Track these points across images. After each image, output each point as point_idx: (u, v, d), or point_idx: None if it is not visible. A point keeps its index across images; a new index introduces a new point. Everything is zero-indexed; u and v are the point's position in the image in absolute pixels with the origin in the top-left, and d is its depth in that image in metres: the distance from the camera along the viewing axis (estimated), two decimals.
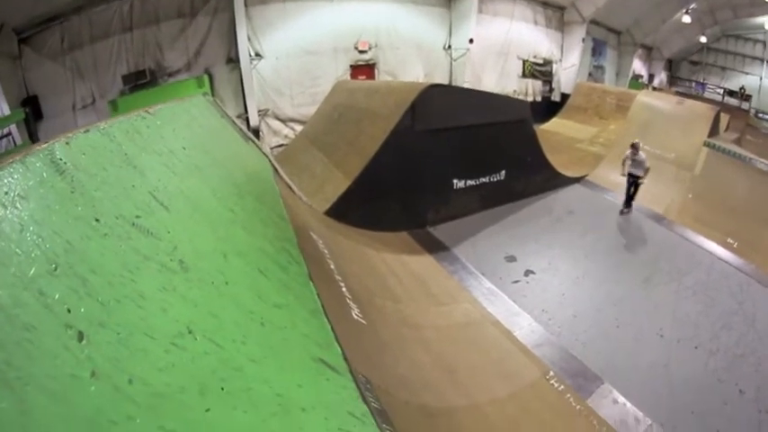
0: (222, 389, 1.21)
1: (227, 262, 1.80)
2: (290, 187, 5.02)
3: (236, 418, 1.19)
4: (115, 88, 11.20)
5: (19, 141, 10.81)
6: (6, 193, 1.11)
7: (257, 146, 5.22)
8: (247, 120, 11.01)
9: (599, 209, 7.31)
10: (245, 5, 10.96)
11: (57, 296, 1.03)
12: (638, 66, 21.85)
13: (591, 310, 4.57)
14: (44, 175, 1.27)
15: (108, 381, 0.98)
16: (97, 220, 1.32)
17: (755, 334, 4.33)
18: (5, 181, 1.13)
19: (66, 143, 1.46)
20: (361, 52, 12.47)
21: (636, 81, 20.97)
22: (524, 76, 15.80)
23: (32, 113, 10.68)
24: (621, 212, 7.11)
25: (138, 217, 1.49)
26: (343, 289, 3.26)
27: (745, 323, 4.50)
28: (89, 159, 1.50)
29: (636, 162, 7.21)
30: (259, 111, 11.33)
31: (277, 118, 11.60)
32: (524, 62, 15.73)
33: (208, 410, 1.12)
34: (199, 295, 1.46)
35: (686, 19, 19.99)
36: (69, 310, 1.03)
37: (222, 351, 1.34)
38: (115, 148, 1.73)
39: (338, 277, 3.39)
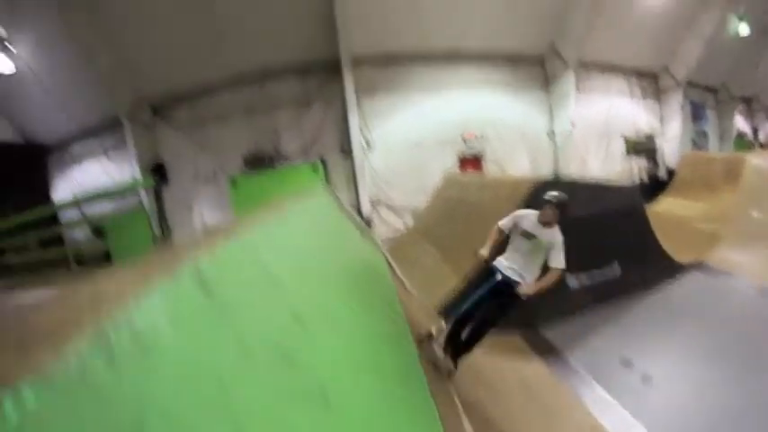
0: None
1: (365, 392, 1.74)
2: (405, 285, 5.09)
3: None
4: (235, 166, 12.18)
5: (146, 200, 11.95)
6: (155, 318, 1.04)
7: (374, 242, 5.41)
8: (359, 209, 11.36)
9: (722, 298, 6.58)
10: (356, 97, 11.42)
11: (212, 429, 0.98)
12: (740, 122, 20.28)
13: (723, 425, 3.99)
14: (192, 294, 1.22)
15: None
16: (243, 346, 1.26)
17: None
18: (156, 305, 1.07)
19: (212, 258, 1.41)
20: (468, 143, 12.62)
21: (741, 140, 19.57)
22: (628, 154, 15.22)
23: (159, 178, 11.91)
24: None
25: (282, 342, 1.43)
26: (456, 400, 3.22)
27: None
28: (233, 276, 1.47)
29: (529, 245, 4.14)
30: (371, 200, 11.66)
31: (388, 208, 11.85)
32: (626, 140, 15.18)
33: None
34: (340, 426, 1.40)
35: None
36: None
37: None
38: (256, 261, 1.71)
39: (451, 388, 3.41)
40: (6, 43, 11.36)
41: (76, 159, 14.77)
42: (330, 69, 11.95)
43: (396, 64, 12.49)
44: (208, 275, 1.30)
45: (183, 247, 1.64)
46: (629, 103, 15.65)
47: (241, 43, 11.54)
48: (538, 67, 13.90)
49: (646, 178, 15.60)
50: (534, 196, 5.66)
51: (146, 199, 12.51)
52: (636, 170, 15.58)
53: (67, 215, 13.75)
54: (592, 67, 14.52)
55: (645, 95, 16.08)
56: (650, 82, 16.19)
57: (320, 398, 1.40)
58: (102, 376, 0.83)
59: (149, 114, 12.84)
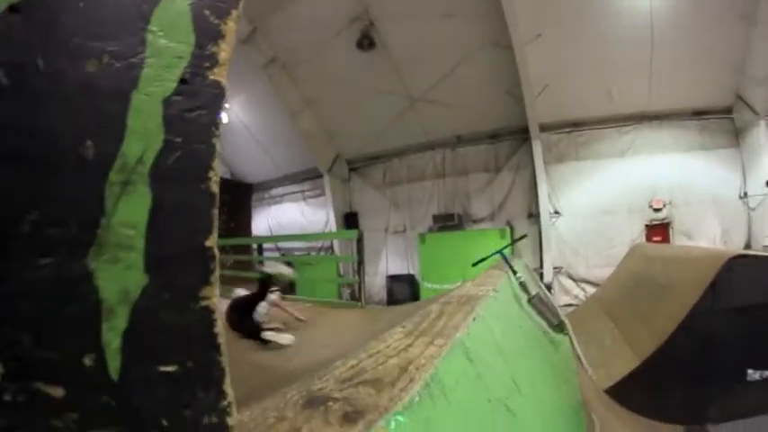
0: None
1: None
2: (580, 357, 4.99)
3: None
4: (425, 223, 13.29)
5: (336, 246, 13.57)
6: (448, 378, 1.43)
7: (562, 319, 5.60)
8: (541, 275, 11.52)
9: None
10: (544, 163, 11.78)
11: None
12: None
13: None
14: (463, 362, 1.67)
15: None
16: (489, 400, 1.71)
17: None
18: (447, 370, 1.47)
19: (468, 333, 1.89)
20: (656, 210, 12.17)
21: None
22: None
23: (352, 226, 13.50)
24: None
25: (506, 398, 1.88)
26: None
27: None
28: (480, 348, 1.92)
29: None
30: (554, 268, 11.76)
31: (570, 277, 11.87)
32: None
33: None
34: None
35: None
36: None
37: None
38: (490, 336, 2.17)
39: None
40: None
41: (276, 199, 17.32)
42: (519, 137, 12.62)
43: (582, 130, 12.69)
44: (468, 347, 1.79)
45: (442, 316, 2.13)
46: None
47: (433, 112, 12.68)
48: (726, 121, 12.74)
49: None
50: (725, 276, 5.46)
51: (336, 244, 14.41)
52: None
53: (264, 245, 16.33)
54: None
55: None
56: None
57: None
58: (430, 410, 1.25)
59: (346, 169, 14.68)
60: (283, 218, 17.16)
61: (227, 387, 0.70)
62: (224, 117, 13.76)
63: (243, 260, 13.49)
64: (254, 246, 16.55)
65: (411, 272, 13.94)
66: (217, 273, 0.69)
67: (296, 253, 16.17)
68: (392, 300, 13.25)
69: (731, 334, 5.57)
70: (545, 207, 12.03)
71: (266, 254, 16.41)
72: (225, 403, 0.69)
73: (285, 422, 0.94)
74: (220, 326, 0.69)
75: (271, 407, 1.02)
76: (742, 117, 12.37)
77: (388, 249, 14.32)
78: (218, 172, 0.68)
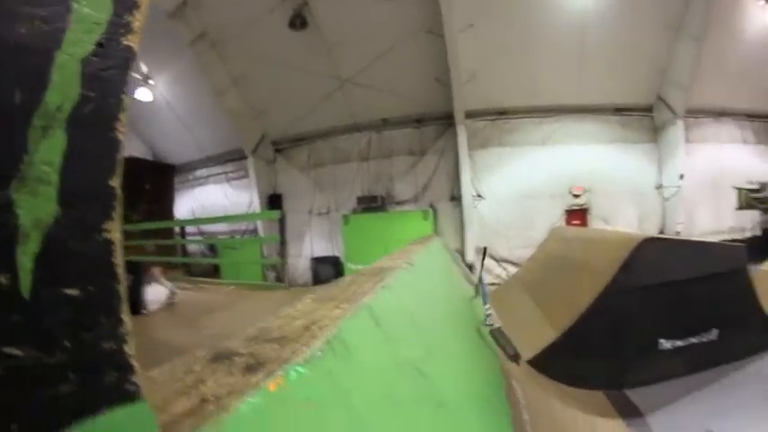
0: None
1: (466, 404, 2.28)
2: (500, 331, 5.47)
3: None
4: (349, 205, 13.20)
5: (260, 228, 13.31)
6: (352, 337, 1.55)
7: (478, 291, 5.80)
8: (464, 255, 11.84)
9: None
10: (468, 148, 12.06)
11: (384, 413, 1.51)
12: None
13: None
14: (370, 324, 1.78)
15: None
16: (398, 362, 1.82)
17: None
18: (352, 330, 1.60)
19: (376, 299, 1.99)
20: (575, 197, 12.74)
21: None
22: (740, 207, 13.73)
23: (276, 208, 12.93)
24: None
25: (417, 362, 1.97)
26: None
27: None
28: (388, 314, 2.00)
29: None
30: (476, 248, 12.09)
31: (492, 257, 12.16)
32: (739, 191, 13.83)
33: None
34: (449, 425, 1.94)
35: None
36: (390, 424, 1.51)
37: None
38: (401, 304, 2.25)
39: (528, 429, 3.50)
40: (148, 78, 13.45)
41: (200, 181, 16.76)
42: (444, 122, 12.79)
43: (506, 118, 13.05)
44: (375, 311, 1.88)
45: (349, 287, 2.19)
46: (741, 149, 14.46)
47: (360, 95, 12.62)
48: (646, 119, 13.74)
49: (758, 233, 14.37)
50: (637, 256, 5.65)
51: (260, 226, 14.01)
52: (748, 224, 14.33)
53: (187, 229, 15.89)
54: (700, 115, 13.84)
55: (758, 140, 14.62)
56: (764, 124, 14.71)
57: (440, 402, 1.98)
58: (333, 366, 1.36)
59: (271, 151, 14.28)
60: (207, 200, 16.58)
61: (125, 316, 0.76)
62: (148, 95, 13.32)
63: (166, 245, 13.25)
64: (177, 230, 15.94)
65: (335, 253, 13.96)
66: (119, 210, 0.76)
67: (220, 237, 15.96)
68: (317, 281, 13.10)
69: (643, 308, 5.77)
70: (467, 190, 12.35)
71: (189, 238, 16.01)
72: (122, 330, 0.75)
73: (192, 374, 1.04)
74: (120, 258, 0.76)
75: (180, 364, 1.12)
76: (661, 116, 13.40)
77: (313, 231, 14.17)
78: (124, 122, 0.75)
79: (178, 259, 13.19)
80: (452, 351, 2.70)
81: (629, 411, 5.22)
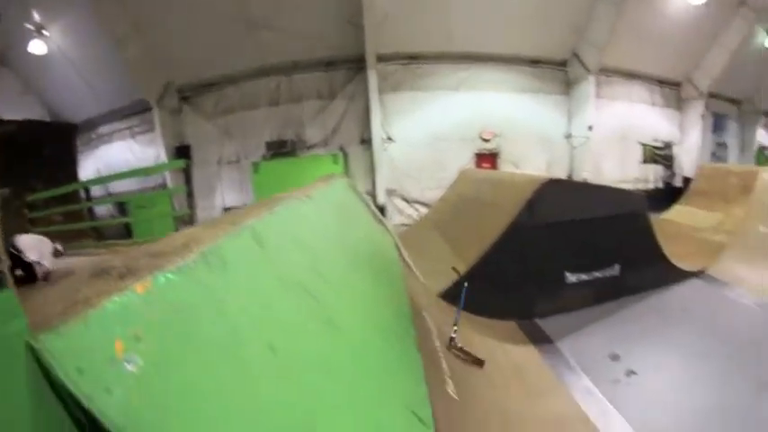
0: (345, 406, 1.75)
1: (359, 323, 2.33)
2: (411, 267, 5.39)
3: (351, 428, 1.69)
4: (258, 152, 12.64)
5: (169, 183, 12.48)
6: (234, 255, 1.65)
7: (386, 227, 5.70)
8: (375, 197, 11.79)
9: (717, 306, 6.67)
10: (379, 92, 11.84)
11: (262, 321, 1.60)
12: (762, 136, 19.97)
13: (695, 419, 4.16)
14: (252, 244, 1.85)
15: (286, 380, 1.53)
16: (281, 280, 1.89)
17: None
18: (233, 247, 1.69)
19: (260, 222, 2.03)
20: (486, 141, 12.97)
21: (762, 154, 19.26)
22: (645, 161, 15.27)
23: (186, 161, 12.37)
24: None
25: (304, 281, 2.04)
26: (444, 365, 3.48)
27: None
28: (274, 236, 2.06)
29: None
30: (387, 190, 12.13)
31: (403, 198, 12.31)
32: (644, 147, 15.20)
33: (335, 416, 1.67)
34: (338, 343, 2.01)
35: None
36: (268, 333, 1.58)
37: (349, 382, 1.88)
38: (289, 229, 2.30)
39: (440, 354, 3.64)
40: (41, 29, 12.12)
41: (104, 139, 15.42)
42: (355, 66, 12.43)
43: (419, 63, 12.88)
44: (259, 232, 1.93)
45: (239, 214, 2.22)
46: (649, 110, 15.68)
47: (270, 38, 11.99)
48: (559, 72, 14.16)
49: (661, 185, 15.72)
50: (541, 195, 6.06)
51: (170, 179, 13.08)
52: (651, 177, 15.69)
53: (93, 191, 14.85)
54: (613, 74, 14.66)
55: (666, 104, 16.02)
56: (672, 91, 16.09)
57: (329, 321, 2.04)
58: (207, 277, 1.43)
59: (177, 100, 13.33)
60: (112, 159, 15.24)
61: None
62: (42, 47, 12.06)
63: (73, 210, 12.58)
64: (83, 194, 14.82)
65: (247, 203, 13.20)
66: None
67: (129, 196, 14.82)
68: None
69: (548, 244, 6.20)
70: (377, 133, 12.21)
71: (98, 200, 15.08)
72: None
73: (73, 287, 1.15)
74: None
75: (65, 282, 1.36)
76: (575, 71, 13.91)
77: (223, 181, 13.53)
78: None
79: (86, 224, 12.58)
80: (351, 279, 2.73)
81: (540, 338, 5.66)
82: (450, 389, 3.30)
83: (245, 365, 1.40)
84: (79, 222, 12.41)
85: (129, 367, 1.02)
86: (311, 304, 1.98)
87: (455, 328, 4.45)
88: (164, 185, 13.55)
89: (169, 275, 1.24)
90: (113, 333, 1.02)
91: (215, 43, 12.15)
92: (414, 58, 12.80)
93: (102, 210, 15.25)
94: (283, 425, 1.40)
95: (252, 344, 1.48)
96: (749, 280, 7.37)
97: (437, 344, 3.83)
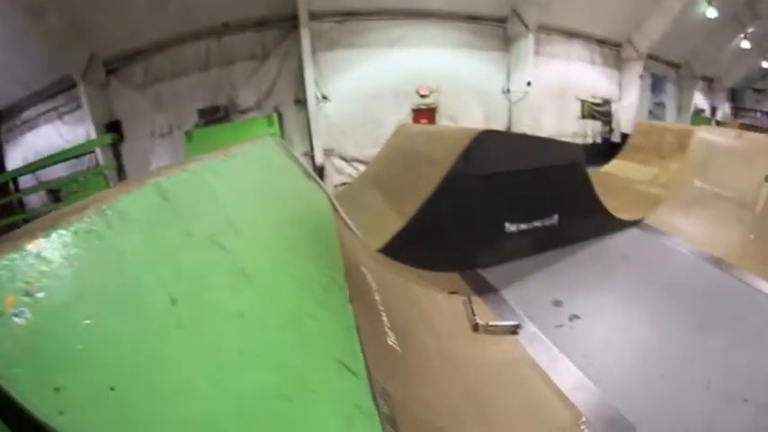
0: (257, 356, 1.69)
1: (277, 276, 2.29)
2: (348, 224, 5.33)
3: (263, 379, 1.64)
4: (191, 121, 12.11)
5: (101, 161, 11.84)
6: (136, 210, 1.61)
7: (319, 185, 5.57)
8: (313, 158, 11.71)
9: (654, 254, 7.00)
10: (313, 51, 11.60)
11: (163, 276, 1.55)
12: (699, 99, 21.05)
13: (635, 357, 4.41)
14: (156, 200, 1.79)
15: (187, 330, 1.49)
16: (189, 234, 1.84)
17: None
18: (135, 202, 1.65)
19: (168, 178, 1.97)
20: (423, 96, 12.93)
21: (698, 116, 20.29)
22: (583, 117, 15.78)
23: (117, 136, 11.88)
24: None
25: (215, 236, 1.99)
26: (384, 318, 3.45)
27: None
28: (184, 191, 2.01)
29: None
30: (324, 150, 12.00)
31: (341, 157, 12.23)
32: (583, 103, 15.69)
33: (244, 366, 1.63)
34: (252, 295, 1.95)
35: (745, 44, 19.45)
36: (169, 286, 1.52)
37: (263, 334, 1.82)
38: (202, 184, 2.24)
39: (381, 308, 3.60)
40: None
41: (29, 124, 14.40)
42: (288, 24, 12.00)
43: (354, 20, 12.57)
44: (165, 187, 1.88)
45: (151, 174, 2.12)
46: (588, 68, 16.15)
47: None
48: (499, 29, 14.24)
49: (599, 140, 16.31)
50: (476, 146, 6.00)
51: (102, 158, 12.42)
52: (589, 132, 16.20)
53: (23, 181, 13.79)
54: (553, 32, 14.92)
55: (606, 63, 16.55)
56: (612, 51, 16.65)
57: (240, 270, 2.00)
58: (104, 232, 1.42)
59: (103, 72, 12.56)
60: (41, 145, 14.06)
61: None
62: None
63: (2, 204, 12.16)
64: (12, 186, 13.78)
65: None
66: None
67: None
68: None
69: (487, 195, 6.18)
70: (312, 93, 11.93)
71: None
72: None
73: None
74: None
75: None
76: (514, 28, 14.00)
77: (157, 155, 12.79)
78: None
79: (18, 217, 11.96)
80: (273, 234, 2.70)
81: (484, 288, 5.68)
82: (392, 340, 3.26)
83: (142, 317, 1.39)
84: (11, 216, 11.90)
85: (18, 321, 1.03)
86: (220, 256, 1.95)
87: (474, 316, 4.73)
88: (97, 166, 12.87)
89: (62, 231, 1.26)
90: (1, 289, 1.03)
91: (140, 8, 11.39)
92: (349, 14, 12.46)
93: (35, 200, 14.26)
94: (184, 375, 1.39)
95: (151, 296, 1.46)
96: (685, 230, 7.68)
97: (377, 297, 3.78)
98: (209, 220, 2.09)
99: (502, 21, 14.10)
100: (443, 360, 3.84)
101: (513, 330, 4.63)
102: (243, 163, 3.08)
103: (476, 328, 4.62)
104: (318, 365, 1.97)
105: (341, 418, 1.79)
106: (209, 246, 1.92)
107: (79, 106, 12.75)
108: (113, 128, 12.55)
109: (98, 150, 12.39)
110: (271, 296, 2.10)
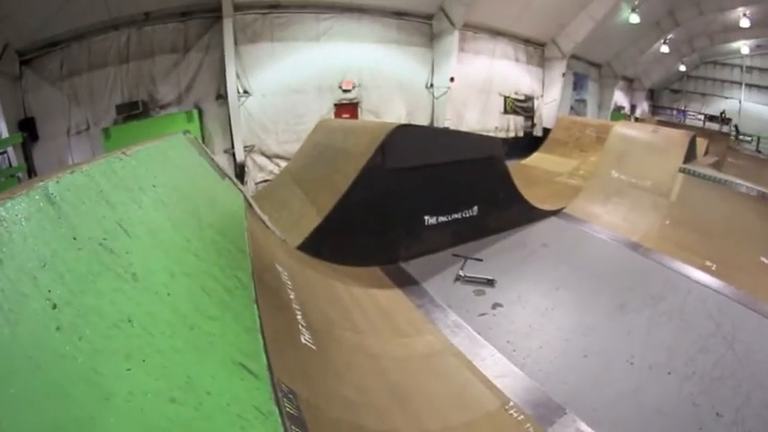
0: (143, 360, 1.64)
1: (172, 279, 2.20)
2: (264, 222, 5.27)
3: (149, 383, 1.60)
4: (109, 117, 11.51)
5: (14, 162, 11.10)
6: (17, 215, 1.58)
7: (234, 183, 5.48)
8: (234, 155, 11.45)
9: (574, 240, 7.36)
10: (236, 44, 11.32)
11: (43, 281, 1.52)
12: (620, 97, 22.39)
13: (559, 340, 4.56)
14: (41, 204, 1.73)
15: (67, 334, 1.46)
16: (74, 238, 1.78)
17: (734, 355, 4.27)
18: (17, 207, 1.60)
19: (57, 182, 1.89)
20: (345, 91, 12.95)
21: (618, 113, 21.42)
22: (506, 112, 16.40)
23: (29, 135, 10.98)
24: None
25: (104, 239, 1.93)
26: (299, 317, 3.42)
27: (723, 345, 4.42)
28: (72, 194, 1.94)
29: None
30: (245, 146, 11.74)
31: (263, 154, 12.01)
32: (506, 99, 16.31)
33: (129, 370, 1.58)
34: (142, 298, 1.89)
35: (664, 49, 21.25)
36: (50, 291, 1.51)
37: (152, 338, 1.76)
38: (93, 186, 2.15)
39: (296, 306, 3.57)
40: None
41: None
42: (212, 15, 11.60)
43: (279, 12, 12.30)
44: (51, 191, 1.83)
45: (41, 177, 2.02)
46: (513, 66, 16.74)
47: None
48: (425, 26, 14.45)
49: (521, 134, 16.94)
50: (393, 140, 6.06)
51: (15, 160, 11.69)
52: (512, 126, 16.81)
53: None
54: (479, 30, 15.35)
55: (529, 61, 17.29)
56: (537, 50, 17.42)
57: (130, 275, 1.94)
58: None
59: (17, 64, 11.80)
60: None
61: None
62: None
63: None
64: None
65: None
66: None
67: None
68: None
69: (405, 188, 6.25)
70: (233, 87, 11.58)
71: None
72: None
73: None
74: None
75: None
76: (440, 25, 14.25)
77: (74, 154, 11.93)
78: None
79: None
80: (170, 235, 2.62)
81: (405, 281, 5.76)
82: (306, 338, 3.25)
83: (22, 321, 1.39)
84: None
85: None
86: (108, 260, 1.90)
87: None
88: (10, 168, 12.12)
89: None
90: None
91: None
92: (274, 6, 12.18)
93: None
94: (59, 377, 1.38)
95: (30, 301, 1.45)
96: (604, 217, 8.17)
97: (291, 296, 3.74)
98: (99, 223, 2.03)
99: (428, 18, 14.33)
100: (364, 356, 3.83)
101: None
102: (144, 162, 2.95)
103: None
104: (212, 368, 1.93)
105: (235, 419, 1.77)
106: (97, 250, 1.88)
107: None
108: (27, 126, 11.83)
109: (11, 151, 11.61)
110: (163, 299, 2.05)
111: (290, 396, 2.23)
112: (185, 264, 2.47)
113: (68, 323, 1.50)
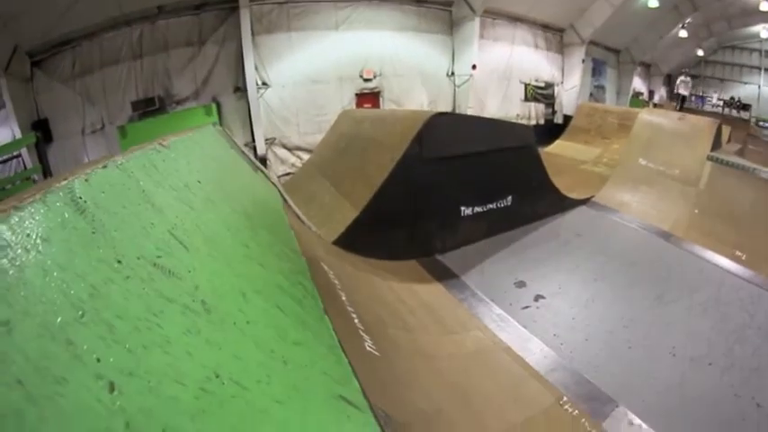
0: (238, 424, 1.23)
1: (246, 301, 1.78)
2: (299, 217, 5.04)
3: None
4: (124, 114, 11.36)
5: (29, 164, 10.97)
6: (28, 235, 1.09)
7: (266, 176, 5.24)
8: (255, 148, 11.24)
9: (606, 230, 7.26)
10: (252, 35, 11.15)
11: (85, 346, 1.03)
12: (637, 83, 22.10)
13: (602, 332, 4.51)
14: (65, 215, 1.25)
15: (126, 413, 1.01)
16: (119, 261, 1.31)
17: None
18: (27, 223, 1.12)
19: (86, 180, 1.45)
20: (366, 81, 12.74)
21: (636, 99, 21.16)
22: (527, 99, 16.18)
23: (42, 136, 10.77)
24: None
25: (158, 257, 1.48)
26: (356, 320, 3.23)
27: (758, 335, 4.43)
28: (108, 197, 1.49)
29: None
30: (266, 139, 11.55)
31: (284, 146, 11.81)
32: (526, 86, 16.08)
33: None
34: (222, 337, 1.44)
35: (683, 33, 20.76)
36: (99, 360, 1.03)
37: (248, 393, 1.33)
38: (133, 185, 1.71)
39: (350, 308, 3.37)
40: None
41: None
42: (227, 6, 11.47)
43: (296, 2, 12.15)
44: (80, 195, 1.37)
45: (61, 176, 1.53)
46: (532, 52, 16.50)
47: None
48: (444, 13, 14.28)
49: (542, 122, 16.76)
50: (429, 129, 5.80)
51: (30, 161, 11.54)
52: (533, 114, 16.62)
53: None
54: (498, 17, 15.15)
55: (549, 47, 17.04)
56: (555, 36, 17.17)
57: (198, 304, 1.47)
58: None
59: (28, 65, 11.64)
60: None
61: None
62: None
63: None
64: None
65: None
66: None
67: None
68: None
69: (442, 179, 6.01)
70: (252, 79, 11.42)
71: None
72: None
73: None
74: None
75: None
76: (460, 12, 14.13)
77: (90, 154, 11.89)
78: None
79: None
80: (227, 242, 2.18)
81: (445, 274, 5.53)
82: (369, 345, 3.05)
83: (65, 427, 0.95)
84: None
85: None
86: (168, 287, 1.44)
87: None
88: (25, 171, 11.96)
89: None
90: None
91: None
92: None
93: None
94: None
95: (72, 387, 0.97)
96: (633, 206, 8.04)
97: (343, 297, 3.54)
98: (147, 235, 1.58)
99: (448, 4, 14.16)
100: (420, 358, 3.66)
101: None
102: (183, 154, 2.54)
103: None
104: (318, 413, 1.59)
105: None
106: (152, 274, 1.42)
107: (2, 105, 11.71)
108: (41, 127, 11.65)
109: (25, 153, 11.43)
110: (245, 333, 1.63)
111: (388, 421, 1.94)
112: (253, 278, 2.08)
113: (139, 412, 1.04)
